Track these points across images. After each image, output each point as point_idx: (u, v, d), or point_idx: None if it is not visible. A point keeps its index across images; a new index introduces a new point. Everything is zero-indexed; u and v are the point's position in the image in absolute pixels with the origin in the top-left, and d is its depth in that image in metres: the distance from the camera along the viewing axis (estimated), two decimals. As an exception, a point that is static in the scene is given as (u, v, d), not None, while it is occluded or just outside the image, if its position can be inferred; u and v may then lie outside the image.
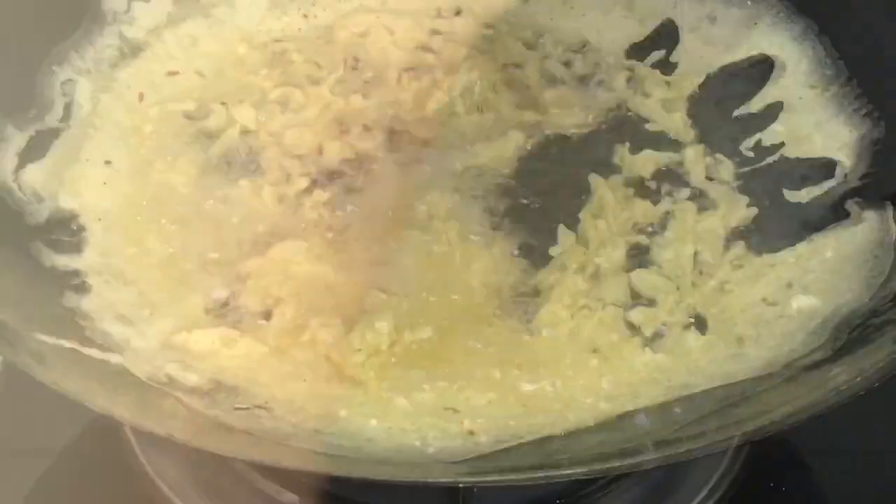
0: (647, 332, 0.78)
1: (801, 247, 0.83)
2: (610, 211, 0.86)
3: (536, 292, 0.80)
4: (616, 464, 0.62)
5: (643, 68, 0.99)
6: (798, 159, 0.90)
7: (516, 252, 0.84)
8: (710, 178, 0.89)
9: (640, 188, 0.89)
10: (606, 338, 0.77)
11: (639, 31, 1.02)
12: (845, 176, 0.87)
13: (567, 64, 1.00)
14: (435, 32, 1.02)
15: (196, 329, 0.76)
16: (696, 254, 0.83)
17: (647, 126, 0.95)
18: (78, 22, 0.93)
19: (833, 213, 0.85)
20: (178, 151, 0.90)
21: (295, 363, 0.76)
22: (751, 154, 0.91)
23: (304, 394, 0.73)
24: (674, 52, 1.00)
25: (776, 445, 0.84)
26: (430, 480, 0.64)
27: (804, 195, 0.87)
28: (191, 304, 0.79)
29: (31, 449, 0.85)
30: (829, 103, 0.92)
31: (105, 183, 0.87)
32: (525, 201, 0.88)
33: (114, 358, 0.72)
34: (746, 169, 0.90)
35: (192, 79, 0.97)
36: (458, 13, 1.03)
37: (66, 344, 0.70)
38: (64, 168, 0.86)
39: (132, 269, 0.81)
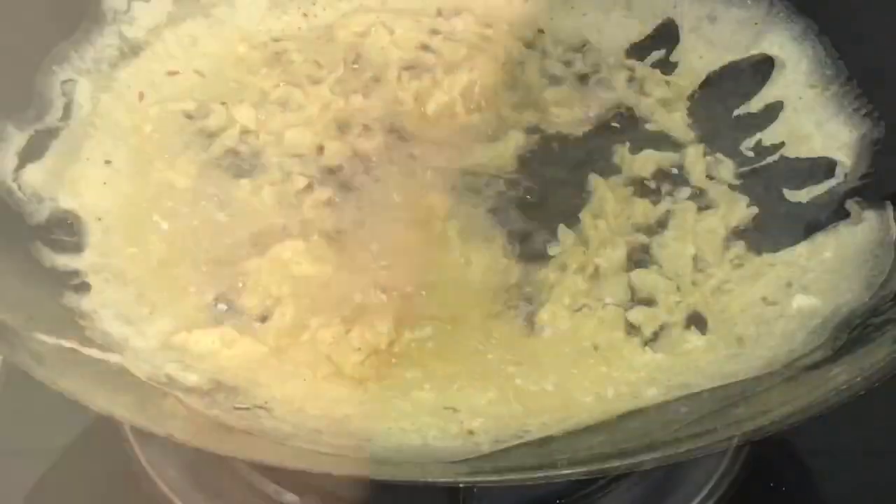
0: (647, 332, 0.78)
1: (801, 247, 0.83)
2: (610, 211, 0.86)
3: (536, 292, 0.81)
4: (616, 464, 0.61)
5: (643, 68, 0.99)
6: (798, 159, 0.90)
7: (516, 252, 0.84)
8: (710, 178, 0.89)
9: (640, 188, 0.89)
10: (606, 337, 0.77)
11: (639, 30, 1.02)
12: (845, 176, 0.87)
13: (567, 64, 1.00)
14: (435, 32, 1.02)
15: (196, 329, 0.76)
16: (695, 253, 0.83)
17: (647, 126, 0.95)
18: (78, 22, 0.93)
19: (833, 213, 0.84)
20: (178, 151, 0.90)
21: (295, 363, 0.76)
22: (751, 154, 0.91)
23: (304, 394, 0.73)
24: (674, 52, 1.00)
25: (776, 445, 0.84)
26: (430, 480, 0.63)
27: (804, 195, 0.87)
28: (191, 304, 0.79)
29: (31, 449, 0.85)
30: (829, 103, 0.92)
31: (105, 183, 0.87)
32: (525, 201, 0.88)
33: (113, 358, 0.72)
34: (746, 169, 0.90)
35: (192, 79, 0.97)
36: (458, 13, 1.03)
37: (66, 344, 0.70)
38: (64, 168, 0.86)
39: (132, 269, 0.81)
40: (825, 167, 0.88)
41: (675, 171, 0.90)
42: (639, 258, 0.83)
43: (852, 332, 0.73)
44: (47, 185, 0.85)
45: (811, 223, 0.85)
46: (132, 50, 0.96)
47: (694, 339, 0.77)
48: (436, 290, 0.80)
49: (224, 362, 0.75)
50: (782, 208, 0.87)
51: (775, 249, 0.83)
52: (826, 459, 0.85)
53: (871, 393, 0.62)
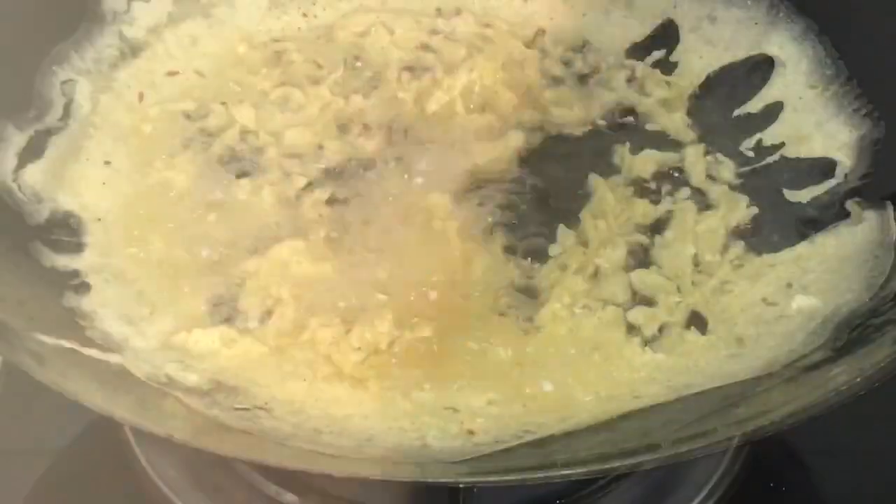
0: (648, 332, 0.78)
1: (801, 247, 0.83)
2: (610, 211, 0.86)
3: (537, 292, 0.81)
4: (616, 464, 0.62)
5: (643, 68, 0.99)
6: (798, 159, 0.90)
7: (516, 252, 0.84)
8: (710, 178, 0.89)
9: (640, 188, 0.89)
10: (606, 337, 0.77)
11: (639, 31, 1.02)
12: (845, 176, 0.87)
13: (567, 64, 1.00)
14: (435, 32, 1.02)
15: (196, 329, 0.76)
16: (696, 254, 0.83)
17: (647, 126, 0.95)
18: (78, 22, 0.93)
19: (833, 213, 0.85)
20: (177, 151, 0.90)
21: (295, 363, 0.76)
22: (751, 154, 0.91)
23: (304, 394, 0.73)
24: (674, 52, 1.00)
25: (776, 445, 0.84)
26: (430, 480, 0.64)
27: (804, 195, 0.87)
28: (191, 304, 0.79)
29: (31, 449, 0.85)
30: (829, 103, 0.92)
31: (105, 183, 0.87)
32: (525, 201, 0.88)
33: (113, 358, 0.72)
34: (746, 169, 0.90)
35: (192, 79, 0.97)
36: (458, 13, 1.03)
37: (66, 344, 0.70)
38: (64, 168, 0.86)
39: (132, 269, 0.81)
40: (825, 167, 0.88)
41: (675, 171, 0.90)
42: (639, 258, 0.83)
43: (852, 332, 0.73)
44: (47, 185, 0.85)
45: (811, 223, 0.85)
46: (132, 50, 0.96)
47: (694, 339, 0.77)
48: (436, 290, 0.80)
49: (224, 362, 0.75)
50: (782, 208, 0.87)
51: (775, 250, 0.83)
52: (826, 459, 0.85)
53: (871, 393, 0.62)
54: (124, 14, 0.96)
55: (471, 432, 0.70)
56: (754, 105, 0.94)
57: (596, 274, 0.82)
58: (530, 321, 0.78)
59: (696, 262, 0.83)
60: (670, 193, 0.88)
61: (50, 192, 0.84)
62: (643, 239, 0.84)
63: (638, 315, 0.79)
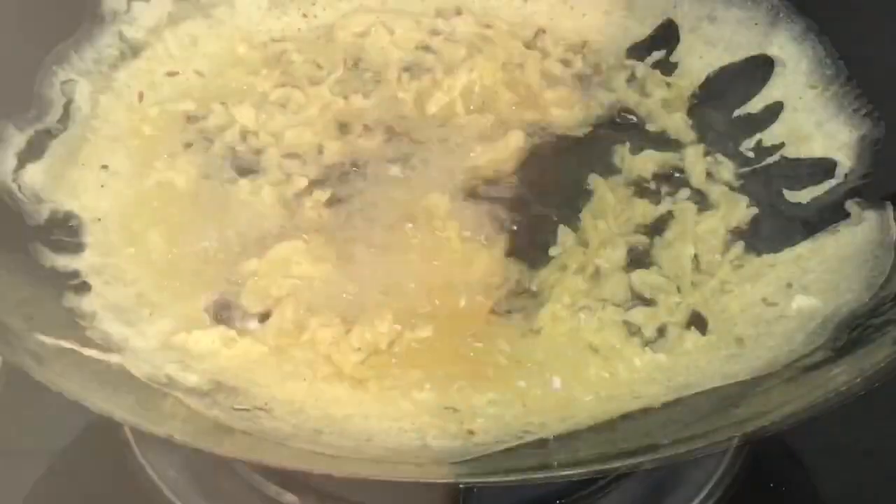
0: (648, 332, 0.78)
1: (801, 247, 0.83)
2: (610, 211, 0.86)
3: (537, 292, 0.81)
4: (616, 464, 0.62)
5: (643, 68, 0.99)
6: (798, 159, 0.90)
7: (516, 252, 0.83)
8: (710, 179, 0.89)
9: (640, 188, 0.89)
10: (606, 337, 0.77)
11: (639, 31, 1.02)
12: (845, 176, 0.87)
13: (567, 64, 1.00)
14: (435, 32, 1.02)
15: (196, 329, 0.76)
16: (696, 254, 0.83)
17: (647, 126, 0.95)
18: (78, 22, 0.93)
19: (833, 213, 0.84)
20: (177, 151, 0.90)
21: (295, 363, 0.76)
22: (751, 154, 0.91)
23: (304, 394, 0.73)
24: (674, 52, 1.00)
25: (776, 445, 0.84)
26: (430, 480, 0.63)
27: (804, 195, 0.87)
28: (190, 304, 0.79)
29: (31, 449, 0.85)
30: (829, 103, 0.92)
31: (104, 183, 0.87)
32: (525, 201, 0.88)
33: (113, 358, 0.72)
34: (746, 169, 0.90)
35: (192, 79, 0.97)
36: (458, 13, 1.03)
37: (66, 344, 0.70)
38: (64, 168, 0.87)
39: (132, 269, 0.81)
40: (825, 167, 0.88)
41: (675, 171, 0.90)
42: (639, 258, 0.83)
43: (852, 332, 0.73)
44: (47, 185, 0.85)
45: (811, 223, 0.85)
46: (132, 50, 0.96)
47: (694, 339, 0.77)
48: (436, 291, 0.80)
49: (224, 362, 0.75)
50: (782, 209, 0.87)
51: (775, 250, 0.83)
52: (826, 459, 0.85)
53: (871, 393, 0.62)
54: (124, 14, 0.96)
55: (471, 432, 0.70)
56: (754, 105, 0.94)
57: (596, 274, 0.82)
58: (530, 321, 0.78)
59: (696, 263, 0.83)
60: (670, 194, 0.88)
61: (50, 193, 0.84)
62: (643, 239, 0.84)
63: (638, 315, 0.79)
